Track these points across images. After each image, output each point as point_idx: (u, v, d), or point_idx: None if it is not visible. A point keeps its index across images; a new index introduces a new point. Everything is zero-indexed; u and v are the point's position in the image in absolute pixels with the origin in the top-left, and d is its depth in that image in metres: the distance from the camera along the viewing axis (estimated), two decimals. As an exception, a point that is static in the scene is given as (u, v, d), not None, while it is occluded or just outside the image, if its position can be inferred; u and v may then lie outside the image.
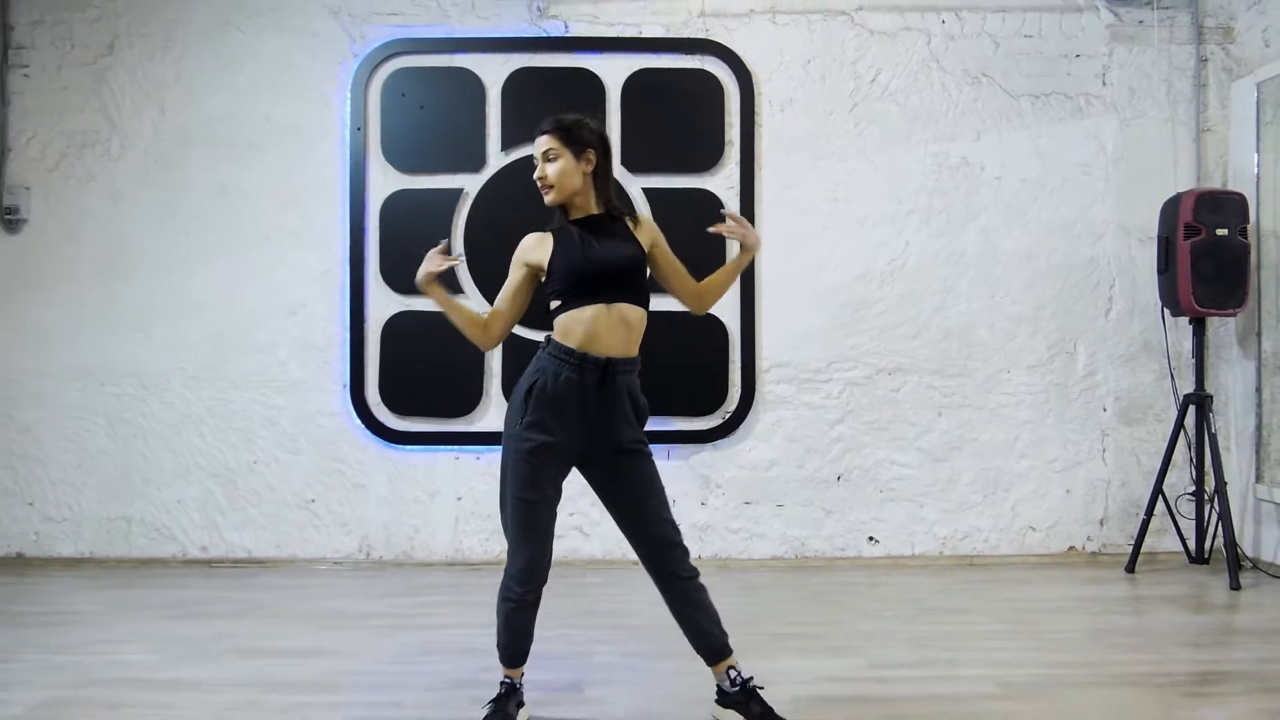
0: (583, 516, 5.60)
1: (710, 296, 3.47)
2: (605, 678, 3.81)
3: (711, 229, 3.40)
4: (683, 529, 5.60)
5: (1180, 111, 5.81)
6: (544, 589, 3.23)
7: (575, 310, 3.15)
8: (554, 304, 3.22)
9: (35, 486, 5.78)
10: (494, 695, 3.27)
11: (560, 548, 5.57)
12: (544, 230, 3.28)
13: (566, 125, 3.22)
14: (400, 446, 5.73)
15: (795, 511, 5.72)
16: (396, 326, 5.71)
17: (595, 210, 3.26)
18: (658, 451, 5.62)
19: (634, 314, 3.20)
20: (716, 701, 3.31)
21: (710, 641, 3.27)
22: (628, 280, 3.20)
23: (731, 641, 3.30)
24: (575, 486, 5.53)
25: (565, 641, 4.23)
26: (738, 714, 3.23)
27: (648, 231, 3.33)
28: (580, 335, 3.14)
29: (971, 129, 5.78)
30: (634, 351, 3.21)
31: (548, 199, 3.23)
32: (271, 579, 5.47)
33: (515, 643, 3.27)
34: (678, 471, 5.65)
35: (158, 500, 5.76)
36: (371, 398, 5.71)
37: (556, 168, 3.19)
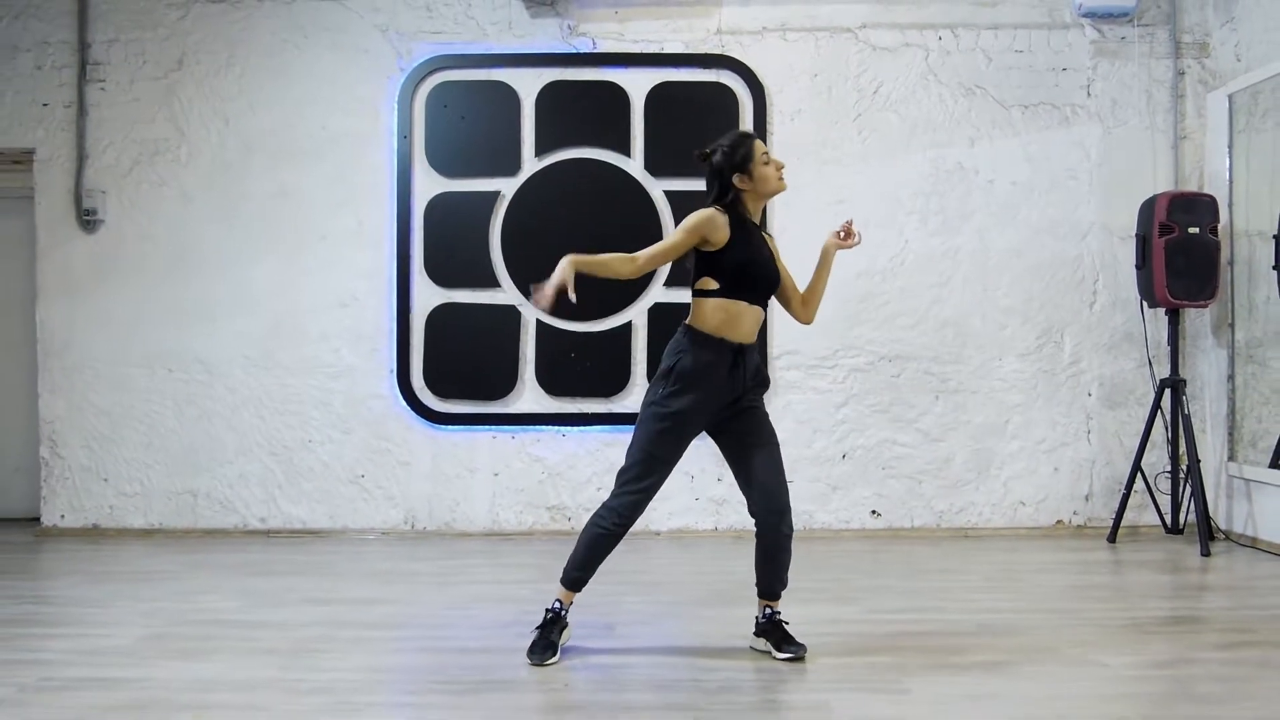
0: (609, 491, 6.09)
1: (815, 303, 3.96)
2: (633, 619, 4.33)
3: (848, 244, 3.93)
4: (700, 503, 6.18)
5: (1159, 120, 6.29)
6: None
7: (728, 301, 3.65)
8: (711, 285, 3.67)
9: (110, 464, 6.32)
10: (539, 623, 3.79)
11: (585, 519, 6.13)
12: (714, 209, 3.71)
13: None
14: (442, 427, 6.26)
15: (803, 487, 6.21)
16: (439, 317, 6.24)
17: (757, 219, 3.83)
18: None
19: (761, 314, 3.76)
20: (754, 632, 3.89)
21: (769, 584, 3.85)
22: (774, 287, 3.80)
23: (784, 592, 3.88)
24: (600, 464, 6.07)
25: (594, 594, 4.68)
26: (765, 640, 3.80)
27: (773, 246, 3.88)
28: (719, 323, 3.66)
29: (966, 137, 6.28)
30: (755, 339, 3.75)
31: (781, 185, 3.77)
32: (325, 546, 5.99)
33: (587, 566, 3.81)
34: (696, 450, 6.06)
35: (221, 476, 6.30)
36: (416, 382, 6.24)
37: None
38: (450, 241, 6.24)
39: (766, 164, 3.75)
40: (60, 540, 6.18)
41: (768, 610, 3.84)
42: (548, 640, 3.75)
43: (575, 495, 6.23)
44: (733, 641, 3.96)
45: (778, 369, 6.23)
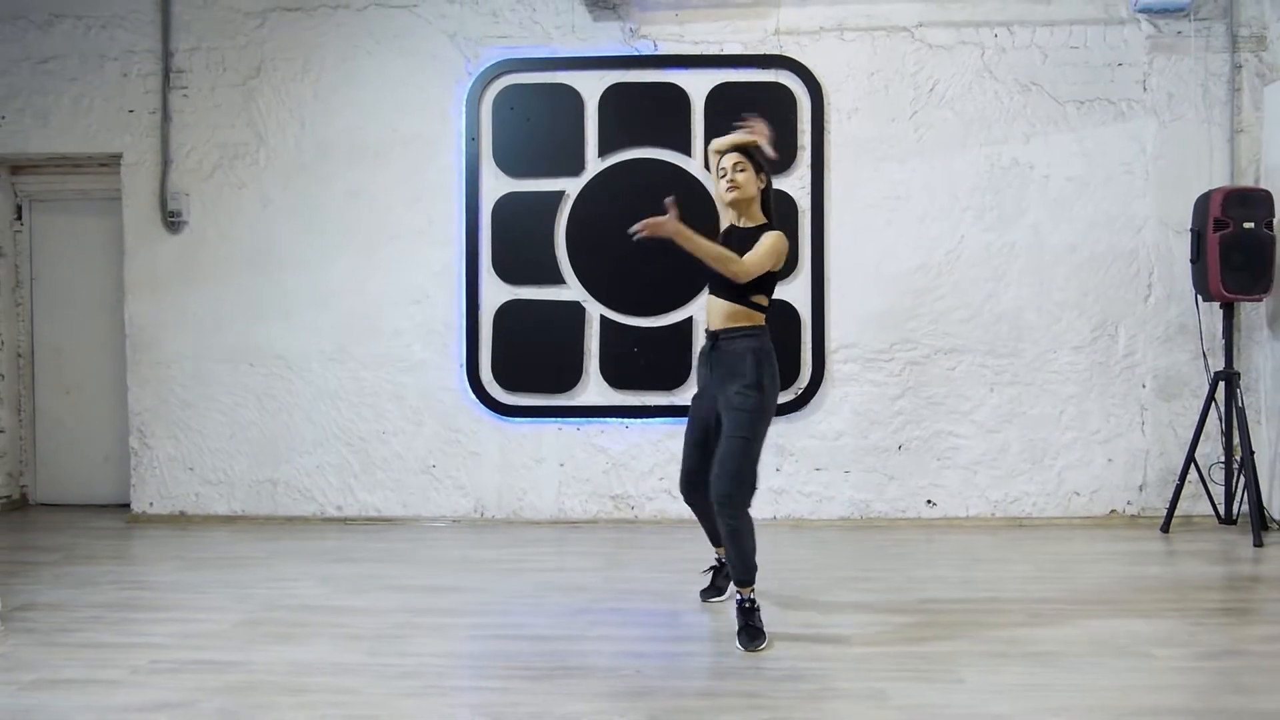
0: (671, 481, 6.32)
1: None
2: (697, 609, 4.53)
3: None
4: (759, 492, 6.34)
5: (1216, 114, 6.34)
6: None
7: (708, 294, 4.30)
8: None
9: (194, 454, 6.64)
10: (751, 621, 4.03)
11: (651, 509, 6.38)
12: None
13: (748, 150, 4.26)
14: (510, 419, 6.49)
15: (861, 477, 6.39)
16: (506, 313, 6.47)
17: (731, 221, 4.32)
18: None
19: (723, 304, 4.18)
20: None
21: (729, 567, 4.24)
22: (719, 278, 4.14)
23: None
24: (662, 455, 6.27)
25: (660, 583, 4.96)
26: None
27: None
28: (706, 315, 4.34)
29: (1021, 133, 6.36)
30: (727, 324, 4.18)
31: (732, 198, 4.21)
32: (400, 534, 6.26)
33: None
34: (755, 441, 6.35)
35: (300, 466, 6.59)
36: (485, 376, 6.48)
37: (745, 177, 4.20)
38: (517, 240, 6.46)
39: (721, 177, 4.26)
40: (149, 526, 6.51)
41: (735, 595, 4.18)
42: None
43: (639, 485, 6.44)
44: (792, 630, 4.15)
45: (835, 362, 6.39)
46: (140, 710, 3.32)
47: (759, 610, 4.06)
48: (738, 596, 4.10)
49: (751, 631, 3.99)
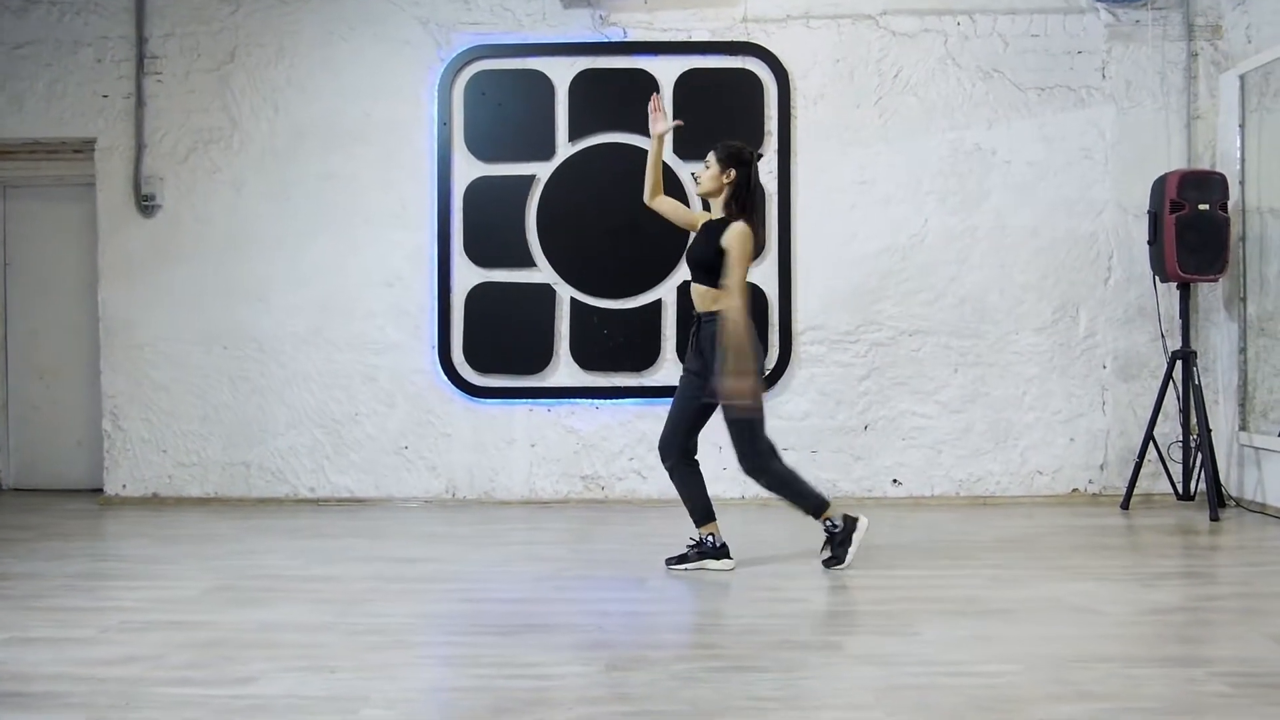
0: (640, 461, 6.43)
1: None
2: (664, 576, 4.60)
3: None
4: (728, 473, 6.40)
5: (1172, 101, 6.49)
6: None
7: None
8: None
9: (168, 436, 6.69)
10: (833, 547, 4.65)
11: (621, 489, 6.47)
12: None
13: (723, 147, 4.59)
14: (482, 400, 6.57)
15: (828, 457, 6.49)
16: (478, 295, 6.55)
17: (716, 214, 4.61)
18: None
19: (699, 289, 4.60)
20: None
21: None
22: (696, 265, 4.64)
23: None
24: (632, 435, 6.38)
25: (630, 554, 5.05)
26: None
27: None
28: None
29: (984, 119, 6.49)
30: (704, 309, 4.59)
31: (698, 192, 4.74)
32: (372, 514, 6.32)
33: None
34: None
35: (273, 448, 6.65)
36: (457, 357, 6.55)
37: (706, 174, 4.59)
38: (488, 223, 6.54)
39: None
40: (123, 508, 6.54)
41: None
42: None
43: (609, 465, 6.52)
44: (757, 594, 4.24)
45: (801, 344, 6.49)
46: (109, 663, 3.37)
47: (838, 535, 4.62)
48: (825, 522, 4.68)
49: (835, 552, 4.60)
